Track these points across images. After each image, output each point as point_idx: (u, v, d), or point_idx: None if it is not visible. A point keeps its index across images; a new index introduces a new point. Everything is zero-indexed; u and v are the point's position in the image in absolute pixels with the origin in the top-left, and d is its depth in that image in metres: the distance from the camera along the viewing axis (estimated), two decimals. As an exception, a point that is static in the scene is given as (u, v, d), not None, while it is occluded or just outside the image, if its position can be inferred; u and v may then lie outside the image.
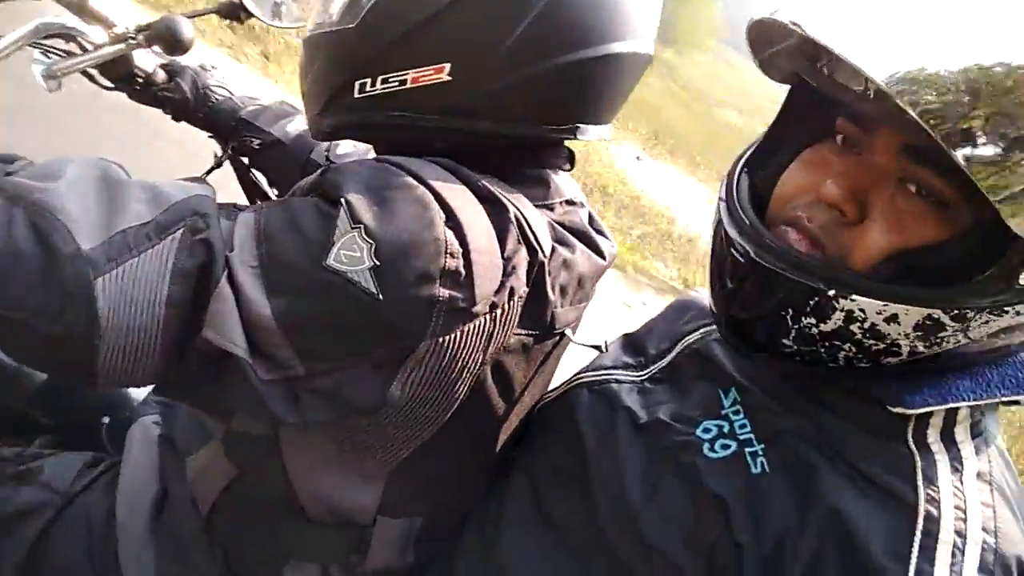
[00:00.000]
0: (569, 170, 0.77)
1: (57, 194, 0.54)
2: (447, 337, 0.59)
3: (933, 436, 0.57)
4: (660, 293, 5.44)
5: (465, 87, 0.65)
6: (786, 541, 0.55)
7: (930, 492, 0.54)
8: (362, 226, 0.55)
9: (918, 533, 0.52)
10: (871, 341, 0.55)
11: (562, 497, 0.69)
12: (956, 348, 0.55)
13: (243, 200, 1.14)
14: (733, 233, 0.60)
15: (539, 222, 0.66)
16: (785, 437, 0.61)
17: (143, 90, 1.05)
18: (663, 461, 0.64)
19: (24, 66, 0.92)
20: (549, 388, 0.83)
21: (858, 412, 0.60)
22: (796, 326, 0.57)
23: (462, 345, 0.61)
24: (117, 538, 0.79)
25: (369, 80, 0.66)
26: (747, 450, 0.61)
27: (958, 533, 0.52)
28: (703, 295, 0.86)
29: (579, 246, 0.72)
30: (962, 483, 0.55)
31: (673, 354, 0.76)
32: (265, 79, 4.74)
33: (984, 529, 0.53)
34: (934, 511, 0.53)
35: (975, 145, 0.48)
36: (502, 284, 0.61)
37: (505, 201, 0.63)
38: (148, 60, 1.03)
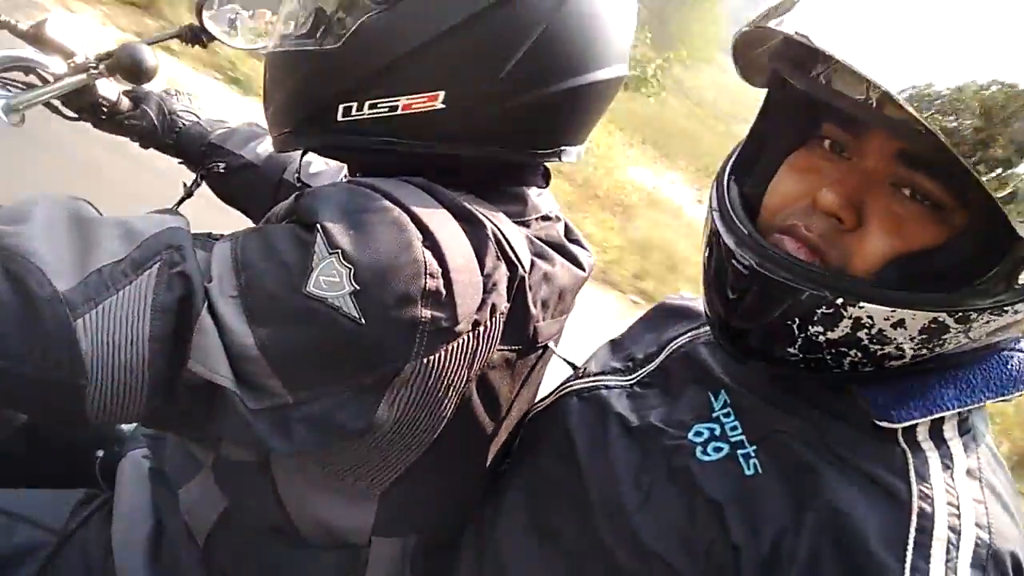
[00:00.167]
0: (545, 187, 0.77)
1: (28, 237, 0.53)
2: (432, 357, 0.59)
3: (923, 434, 0.58)
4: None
5: (458, 115, 0.65)
6: (783, 541, 0.56)
7: (923, 489, 0.54)
8: (340, 251, 0.55)
9: (912, 530, 0.52)
10: (877, 346, 0.55)
11: (557, 505, 0.70)
12: (957, 349, 0.56)
13: (221, 226, 1.13)
14: (732, 244, 0.59)
15: (517, 237, 0.67)
16: (777, 437, 0.61)
17: (108, 119, 1.04)
18: (656, 466, 0.64)
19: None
20: (536, 399, 0.83)
21: (848, 410, 0.60)
22: (803, 335, 0.57)
23: (447, 364, 0.61)
24: (117, 574, 0.79)
25: (355, 104, 0.66)
26: (739, 452, 0.61)
27: (951, 529, 0.53)
28: (686, 298, 0.87)
29: (558, 259, 0.72)
30: (953, 480, 0.55)
31: (661, 358, 0.76)
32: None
33: (977, 525, 0.53)
34: (927, 507, 0.53)
35: (984, 151, 0.48)
36: (483, 301, 0.62)
37: (482, 218, 0.63)
38: (111, 88, 1.02)
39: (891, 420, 0.57)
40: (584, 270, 0.77)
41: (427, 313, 0.57)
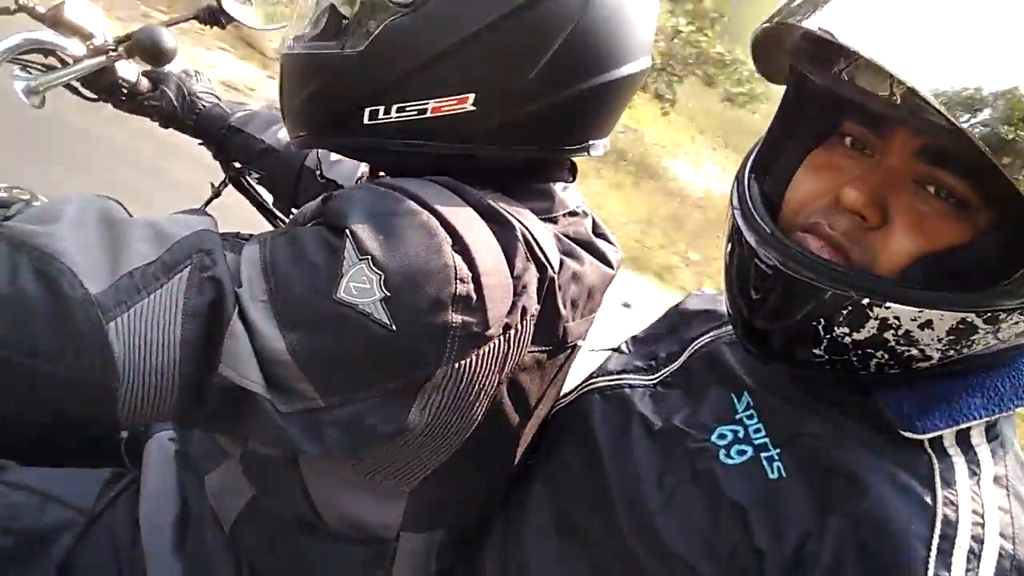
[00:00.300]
0: (572, 182, 0.77)
1: (59, 238, 0.53)
2: (463, 362, 0.59)
3: (949, 440, 0.57)
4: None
5: (489, 116, 0.65)
6: (806, 545, 0.56)
7: (948, 495, 0.54)
8: (369, 257, 0.55)
9: (936, 537, 0.52)
10: (904, 347, 0.55)
11: (580, 503, 0.70)
12: (985, 350, 0.55)
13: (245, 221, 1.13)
14: (754, 242, 0.59)
15: (546, 237, 0.66)
16: (801, 441, 0.61)
17: (128, 100, 1.03)
18: (679, 468, 0.64)
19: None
20: (561, 393, 0.83)
21: (873, 414, 0.59)
22: (828, 335, 0.56)
23: (478, 369, 0.61)
24: (144, 557, 0.81)
25: (382, 108, 0.65)
26: (763, 455, 0.61)
27: (975, 538, 0.52)
28: (708, 295, 0.86)
29: (587, 257, 0.72)
30: (979, 487, 0.55)
31: (684, 358, 0.76)
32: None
33: (1002, 535, 0.53)
34: (952, 515, 0.53)
35: (1012, 149, 0.47)
36: (514, 304, 0.61)
37: (511, 219, 0.63)
38: (131, 69, 1.01)
39: (915, 431, 0.56)
40: (612, 267, 0.76)
41: (458, 318, 0.57)
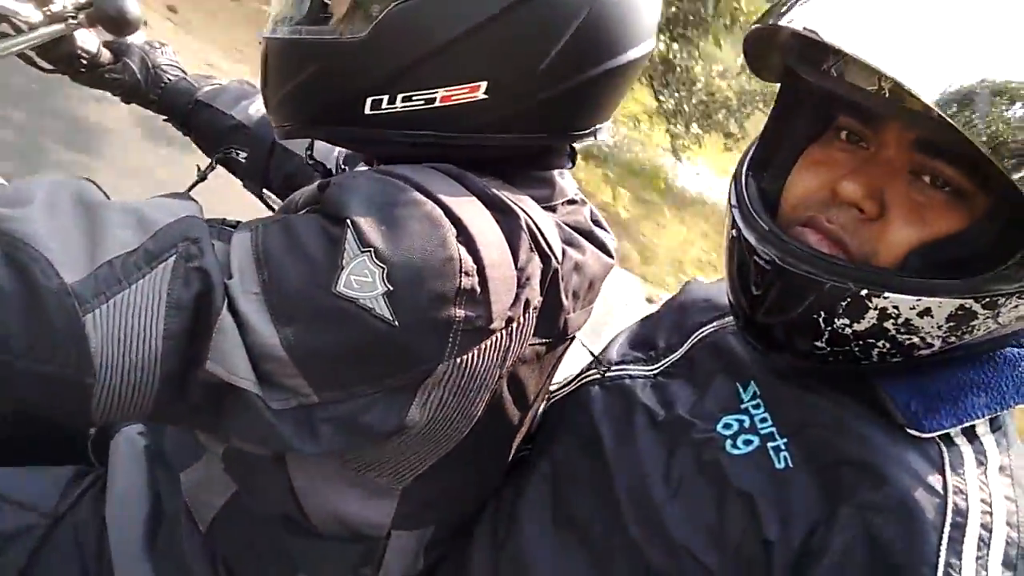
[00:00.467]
0: (571, 168, 0.75)
1: (30, 221, 0.48)
2: (465, 357, 0.57)
3: (955, 431, 0.58)
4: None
5: (500, 104, 0.62)
6: (814, 535, 0.56)
7: (957, 484, 0.55)
8: (372, 249, 0.52)
9: (947, 525, 0.53)
10: (905, 336, 0.55)
11: (582, 497, 0.69)
12: (987, 335, 0.56)
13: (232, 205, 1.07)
14: (753, 239, 0.59)
15: (549, 226, 0.64)
16: (808, 430, 0.61)
17: (88, 72, 0.96)
18: (685, 458, 0.64)
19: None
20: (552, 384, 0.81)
21: (880, 404, 0.60)
22: (829, 328, 0.57)
23: (480, 363, 0.59)
24: (112, 559, 0.76)
25: (386, 97, 0.62)
26: (770, 445, 0.61)
27: (984, 526, 0.53)
28: (706, 285, 0.86)
29: (588, 246, 0.70)
30: (987, 476, 0.56)
31: (686, 347, 0.75)
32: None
33: (1008, 524, 0.53)
34: (962, 503, 0.54)
35: (1000, 137, 0.48)
36: (517, 297, 0.59)
37: (515, 208, 0.60)
38: (91, 39, 0.94)
39: (922, 430, 0.57)
40: (612, 256, 0.75)
41: (461, 313, 0.55)
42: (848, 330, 0.56)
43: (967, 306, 0.53)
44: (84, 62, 0.95)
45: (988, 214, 0.54)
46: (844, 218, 0.58)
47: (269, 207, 1.06)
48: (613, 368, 0.77)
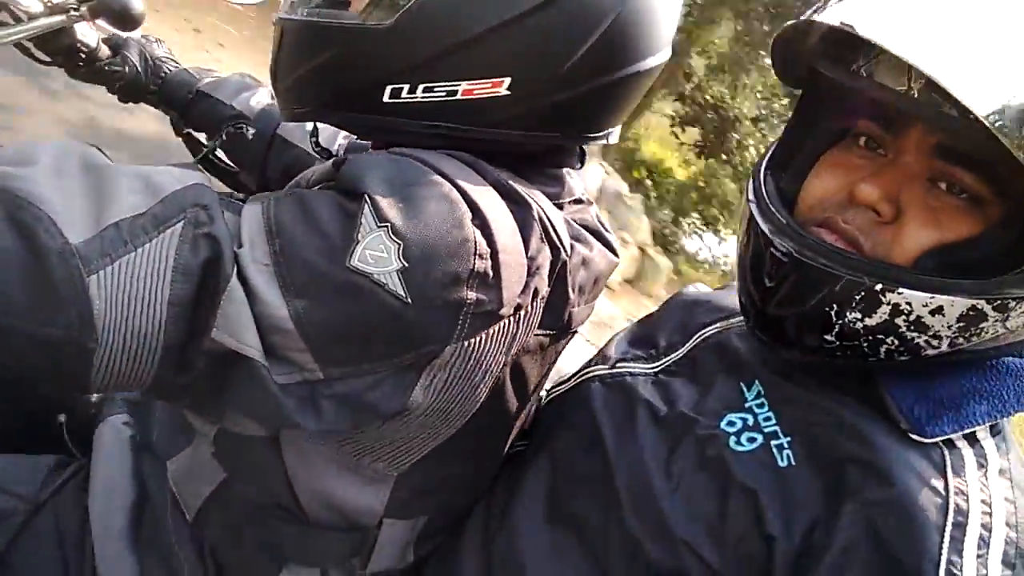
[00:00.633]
0: (581, 167, 0.76)
1: (34, 181, 0.47)
2: (472, 340, 0.57)
3: (957, 434, 0.59)
4: None
5: (520, 101, 0.63)
6: (816, 533, 0.56)
7: (959, 485, 0.55)
8: (388, 225, 0.52)
9: (949, 524, 0.53)
10: (914, 334, 0.56)
11: (580, 492, 0.68)
12: (993, 340, 0.57)
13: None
14: (770, 232, 0.60)
15: (559, 220, 0.65)
16: (812, 430, 0.61)
17: (86, 66, 0.96)
18: (687, 454, 0.64)
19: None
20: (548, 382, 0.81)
21: (883, 405, 0.60)
22: (840, 321, 0.57)
23: (486, 348, 0.59)
24: (94, 546, 0.76)
25: (407, 87, 0.62)
26: (773, 443, 0.61)
27: (984, 527, 0.54)
28: (706, 290, 0.87)
29: (595, 243, 0.71)
30: (987, 479, 0.56)
31: (688, 346, 0.75)
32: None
33: (1007, 524, 0.54)
34: (963, 504, 0.54)
35: None
36: (526, 285, 0.59)
37: (528, 199, 0.61)
38: (90, 33, 0.95)
39: (924, 435, 0.58)
40: (617, 256, 0.75)
41: (473, 295, 0.55)
42: (859, 324, 0.57)
43: (978, 307, 0.54)
44: (83, 55, 0.95)
45: (1003, 220, 0.55)
46: (860, 220, 0.59)
47: None
48: (613, 365, 0.77)
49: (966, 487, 0.56)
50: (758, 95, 9.87)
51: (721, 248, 10.75)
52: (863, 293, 0.56)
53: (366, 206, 0.52)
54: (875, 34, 0.52)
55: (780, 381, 0.66)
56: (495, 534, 0.72)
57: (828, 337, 0.59)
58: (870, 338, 0.58)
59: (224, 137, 1.01)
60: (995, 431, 0.60)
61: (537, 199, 0.63)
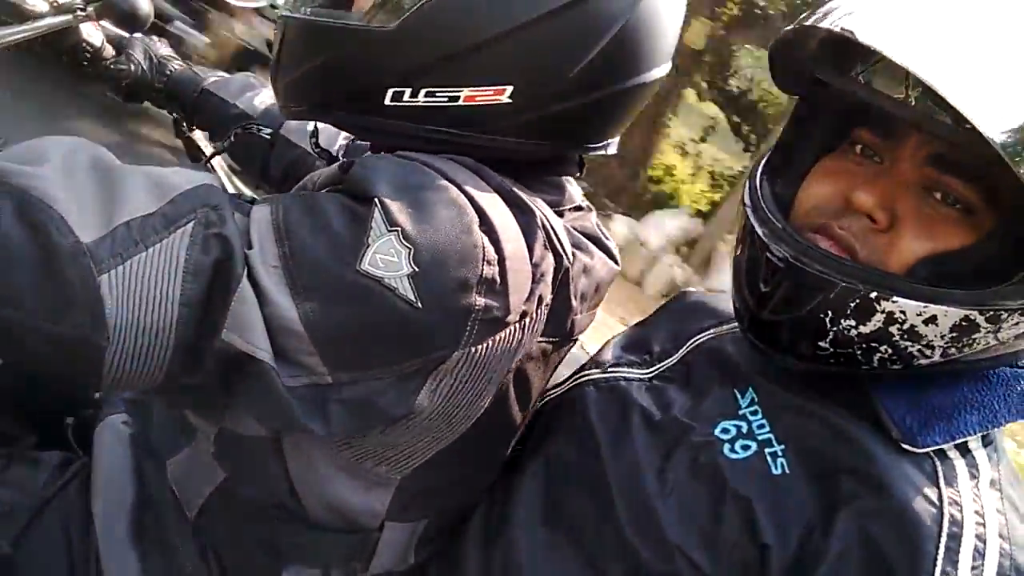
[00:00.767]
0: (581, 175, 0.76)
1: (45, 179, 0.48)
2: (479, 347, 0.58)
3: (948, 445, 0.59)
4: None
5: (522, 110, 0.63)
6: (810, 541, 0.56)
7: (952, 496, 0.55)
8: (399, 229, 0.52)
9: (943, 535, 0.53)
10: (908, 343, 0.57)
11: (575, 495, 0.69)
12: (984, 351, 0.57)
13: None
14: (766, 237, 0.61)
15: (561, 227, 0.65)
16: (806, 438, 0.62)
17: (90, 65, 0.96)
18: (681, 460, 0.64)
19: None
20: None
21: (875, 415, 0.61)
22: (835, 328, 0.58)
23: (492, 354, 0.59)
24: (98, 544, 0.76)
25: (408, 90, 0.62)
26: (767, 451, 0.62)
27: (978, 537, 0.54)
28: (702, 294, 0.87)
29: (596, 251, 0.71)
30: (979, 489, 0.57)
31: (682, 352, 0.76)
32: None
33: (1001, 536, 0.54)
34: (957, 515, 0.54)
35: None
36: (531, 292, 0.60)
37: (531, 205, 0.62)
38: (95, 33, 0.95)
39: (916, 445, 0.58)
40: (617, 263, 0.76)
41: (481, 301, 0.56)
42: (853, 332, 0.57)
43: (971, 318, 0.54)
44: (88, 55, 0.95)
45: (996, 231, 0.56)
46: (855, 227, 0.59)
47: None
48: (607, 370, 0.77)
49: (960, 497, 0.56)
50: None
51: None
52: (858, 300, 0.56)
53: (376, 210, 0.53)
54: (874, 40, 0.52)
55: (774, 389, 0.67)
56: (494, 536, 0.72)
57: (822, 344, 0.60)
58: (864, 346, 0.58)
59: (232, 139, 1.01)
60: (986, 441, 0.61)
61: (539, 206, 0.64)
